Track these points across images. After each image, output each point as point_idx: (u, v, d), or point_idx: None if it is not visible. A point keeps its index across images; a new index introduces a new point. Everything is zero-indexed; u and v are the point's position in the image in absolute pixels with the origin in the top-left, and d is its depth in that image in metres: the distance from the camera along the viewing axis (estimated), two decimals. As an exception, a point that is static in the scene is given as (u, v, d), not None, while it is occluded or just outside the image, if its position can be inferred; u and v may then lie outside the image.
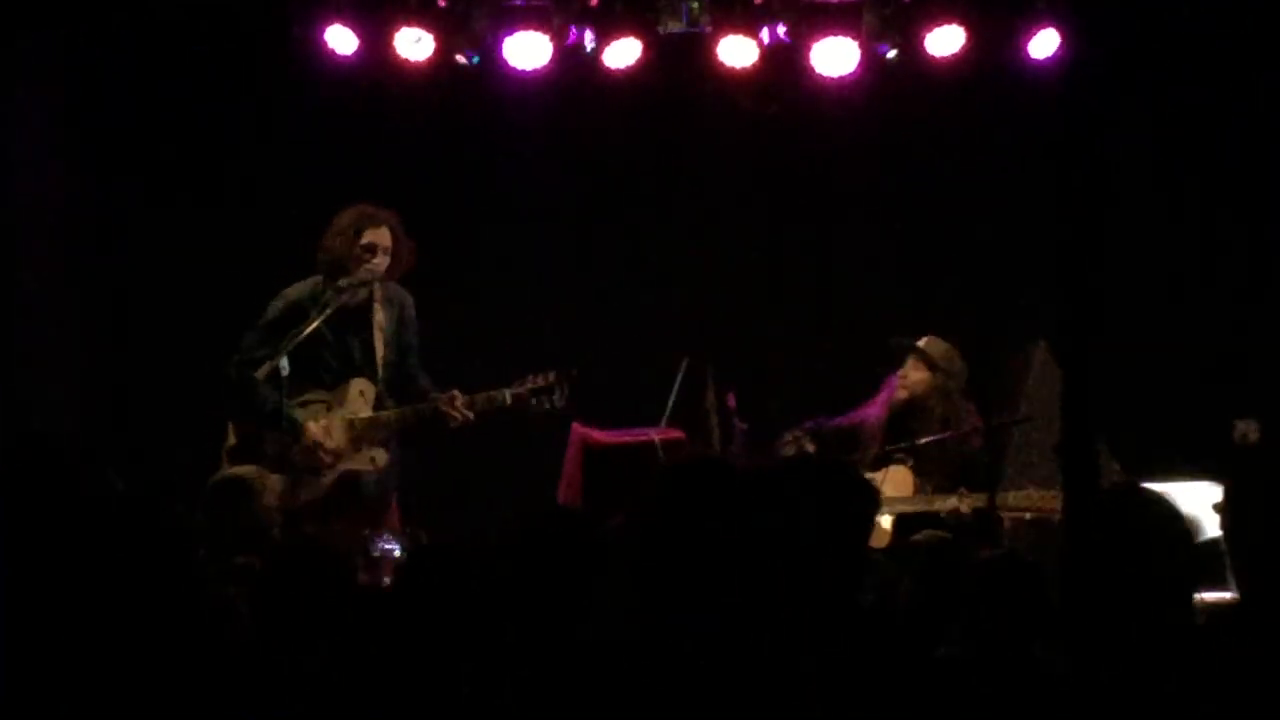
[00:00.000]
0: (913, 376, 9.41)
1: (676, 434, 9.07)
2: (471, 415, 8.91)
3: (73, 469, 5.31)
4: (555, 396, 8.92)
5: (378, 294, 9.06)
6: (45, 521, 5.05)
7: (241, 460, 8.72)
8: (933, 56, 10.34)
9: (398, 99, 10.54)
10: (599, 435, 9.17)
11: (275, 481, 8.15)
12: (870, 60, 10.36)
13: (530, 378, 8.95)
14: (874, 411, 9.45)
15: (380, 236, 8.94)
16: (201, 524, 7.42)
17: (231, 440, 8.89)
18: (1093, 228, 10.37)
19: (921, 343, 9.41)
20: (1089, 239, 10.36)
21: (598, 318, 10.89)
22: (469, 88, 10.57)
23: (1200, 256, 10.72)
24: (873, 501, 4.78)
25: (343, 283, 8.86)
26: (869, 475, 9.15)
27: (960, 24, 10.28)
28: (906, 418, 9.38)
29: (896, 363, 9.47)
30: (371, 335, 9.04)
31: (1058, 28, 10.23)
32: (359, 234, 8.93)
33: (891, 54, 10.34)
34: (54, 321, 10.42)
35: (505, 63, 10.31)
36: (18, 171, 10.26)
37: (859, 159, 10.89)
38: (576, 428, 9.17)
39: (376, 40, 10.28)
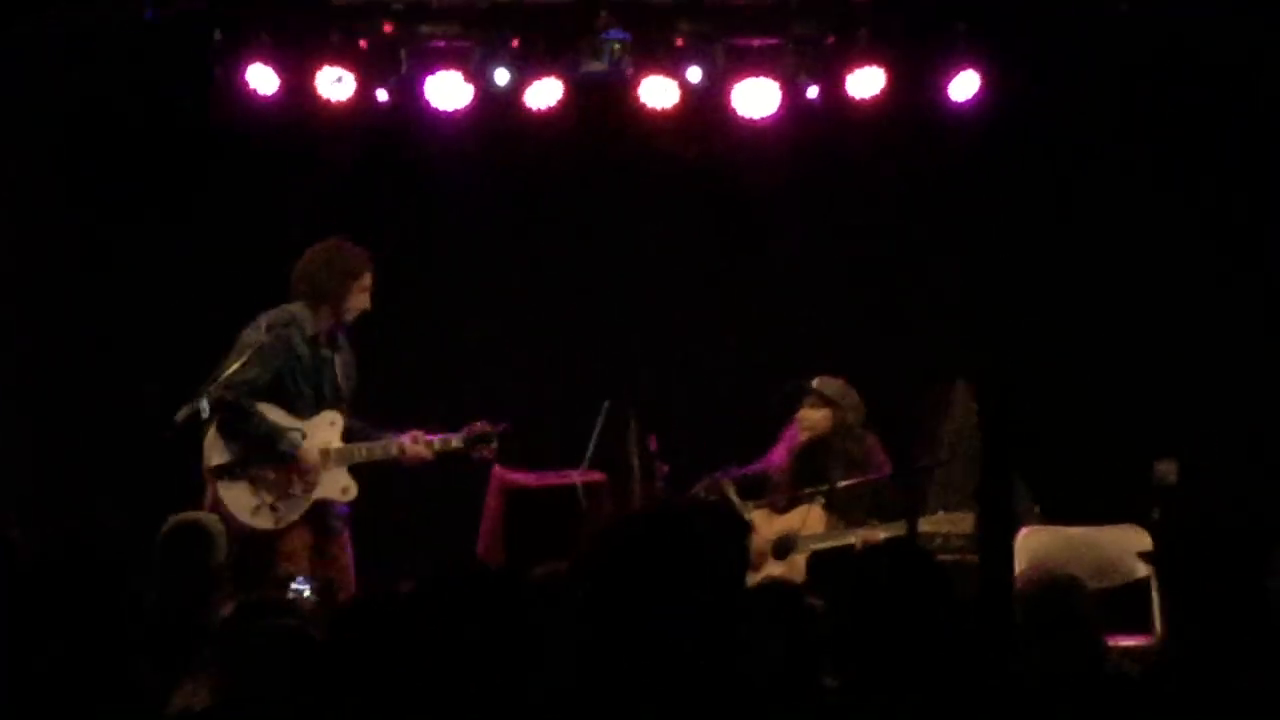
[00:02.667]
0: (811, 417, 9.48)
1: (598, 476, 9.07)
2: (431, 455, 9.09)
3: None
4: (491, 445, 9.05)
5: (339, 335, 9.18)
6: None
7: (230, 478, 8.80)
8: (854, 98, 10.37)
9: (320, 139, 10.49)
10: (520, 478, 9.17)
11: (221, 532, 8.11)
12: (792, 102, 10.39)
13: (477, 424, 9.07)
14: (778, 457, 9.51)
15: (371, 280, 9.08)
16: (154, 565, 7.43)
17: (217, 459, 8.86)
18: (1008, 268, 10.51)
19: (815, 383, 9.48)
20: (1004, 279, 10.50)
21: (520, 359, 10.87)
22: (391, 127, 10.54)
23: (1119, 296, 10.76)
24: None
25: (338, 316, 9.02)
26: (783, 518, 9.22)
27: (881, 66, 10.31)
28: (812, 458, 9.44)
29: (793, 407, 9.53)
30: (336, 371, 9.13)
31: (978, 69, 10.29)
32: (360, 275, 9.03)
33: (813, 94, 10.37)
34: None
35: (427, 103, 10.30)
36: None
37: (780, 201, 10.91)
38: (497, 470, 9.17)
39: (298, 80, 10.24)
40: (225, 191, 10.60)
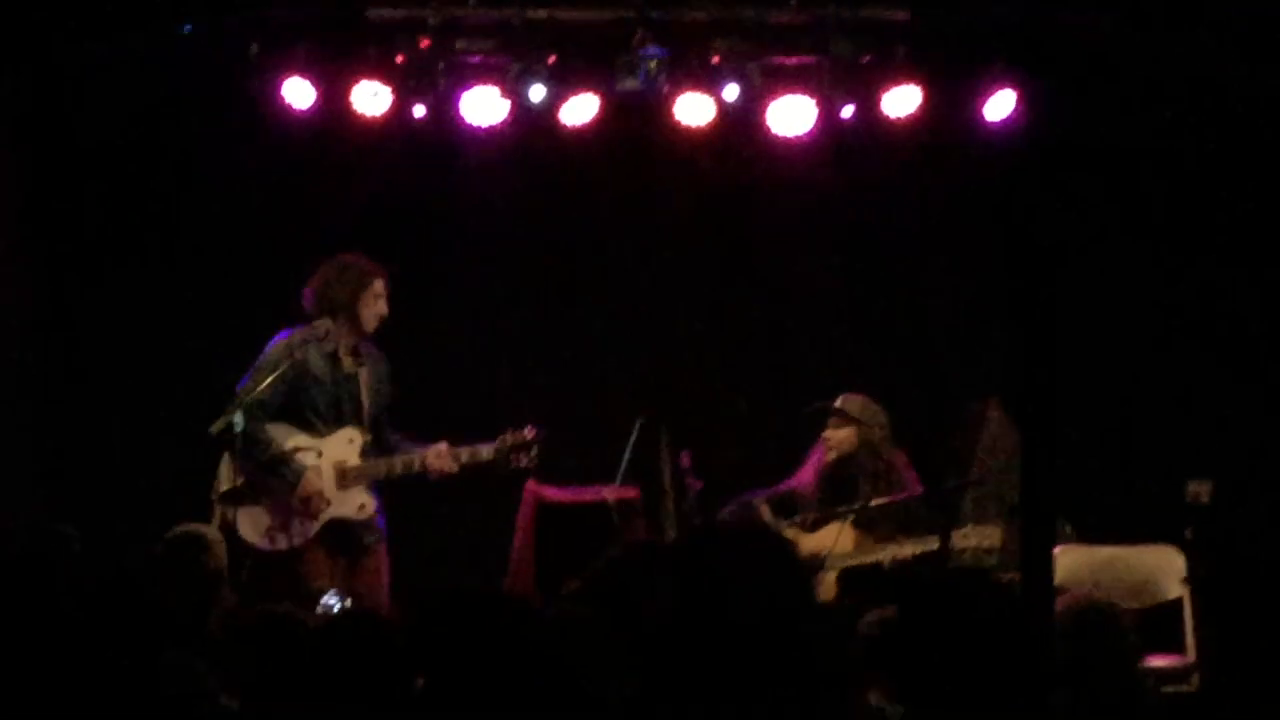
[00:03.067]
0: (836, 436, 9.49)
1: (631, 492, 9.07)
2: (456, 468, 9.07)
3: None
4: (532, 453, 9.04)
5: (363, 349, 9.20)
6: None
7: (237, 503, 8.83)
8: (889, 117, 10.37)
9: (356, 153, 10.51)
10: (552, 493, 9.17)
11: (220, 541, 8.12)
12: (827, 120, 10.39)
13: (510, 433, 9.07)
14: (806, 477, 9.51)
15: (383, 287, 9.12)
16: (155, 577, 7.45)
17: (226, 484, 8.89)
18: (1049, 289, 10.47)
19: (838, 402, 9.48)
20: (1046, 300, 10.46)
21: (553, 375, 10.86)
22: (426, 143, 10.56)
23: (1151, 316, 10.75)
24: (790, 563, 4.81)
25: (356, 330, 9.08)
26: (813, 536, 9.21)
27: (917, 84, 10.31)
28: (839, 476, 9.45)
29: (819, 427, 9.53)
30: (358, 388, 9.14)
31: (1014, 89, 10.28)
32: (370, 283, 9.06)
33: (848, 113, 10.36)
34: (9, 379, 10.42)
35: (462, 118, 10.31)
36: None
37: (816, 219, 10.91)
38: (530, 485, 9.16)
39: (334, 94, 10.25)
40: (260, 205, 10.62)
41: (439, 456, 9.06)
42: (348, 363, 9.16)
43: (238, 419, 8.62)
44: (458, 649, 4.72)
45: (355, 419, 9.13)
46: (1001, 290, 10.54)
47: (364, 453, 9.11)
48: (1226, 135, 10.51)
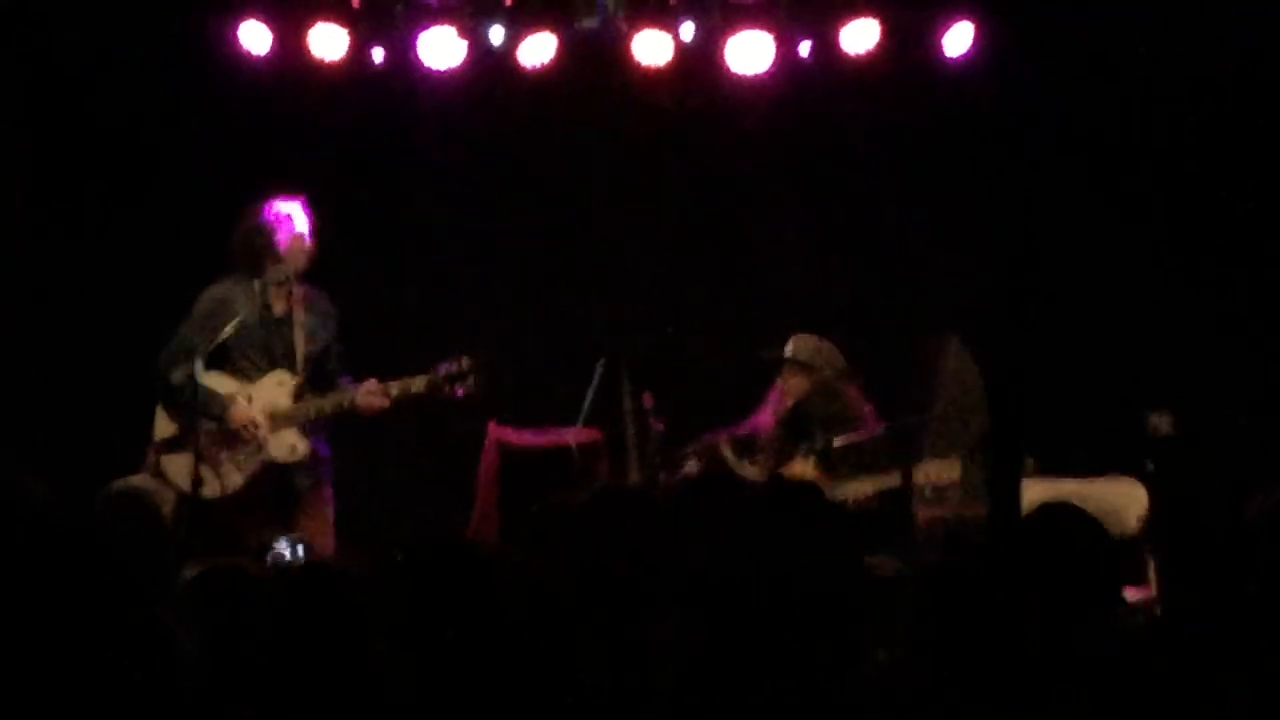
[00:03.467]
0: (791, 383, 9.54)
1: (594, 435, 9.08)
2: (388, 402, 9.01)
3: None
4: (469, 382, 8.96)
5: (296, 292, 9.14)
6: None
7: (177, 451, 8.82)
8: (847, 52, 10.36)
9: (312, 96, 10.46)
10: (515, 437, 9.17)
11: (170, 494, 8.14)
12: (785, 56, 10.37)
13: (444, 364, 9.02)
14: (765, 418, 9.54)
15: (304, 226, 9.08)
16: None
17: (164, 432, 8.91)
18: (999, 221, 10.50)
19: (788, 350, 9.49)
20: (1012, 236, 10.48)
21: (513, 316, 10.86)
22: (384, 85, 10.52)
23: (1110, 245, 10.76)
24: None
25: (281, 274, 9.02)
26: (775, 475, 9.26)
27: (875, 18, 10.30)
28: (798, 419, 9.47)
29: (774, 371, 9.56)
30: (292, 331, 9.12)
31: (972, 21, 10.27)
32: (285, 227, 9.03)
33: (805, 49, 10.35)
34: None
35: (420, 60, 10.28)
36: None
37: (774, 156, 10.90)
38: (493, 427, 9.16)
39: (291, 37, 10.21)
40: (217, 153, 10.57)
41: (369, 393, 9.00)
42: (279, 307, 9.12)
43: (199, 366, 8.62)
44: (431, 604, 4.69)
45: (287, 363, 9.10)
46: (959, 224, 10.60)
47: (296, 396, 9.07)
48: (1193, 55, 10.48)
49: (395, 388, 9.01)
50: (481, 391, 9.02)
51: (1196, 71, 10.42)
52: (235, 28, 10.14)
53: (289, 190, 9.26)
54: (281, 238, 9.05)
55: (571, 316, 10.78)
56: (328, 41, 10.19)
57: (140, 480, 8.05)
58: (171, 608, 5.58)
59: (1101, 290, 10.67)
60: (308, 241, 9.09)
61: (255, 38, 10.17)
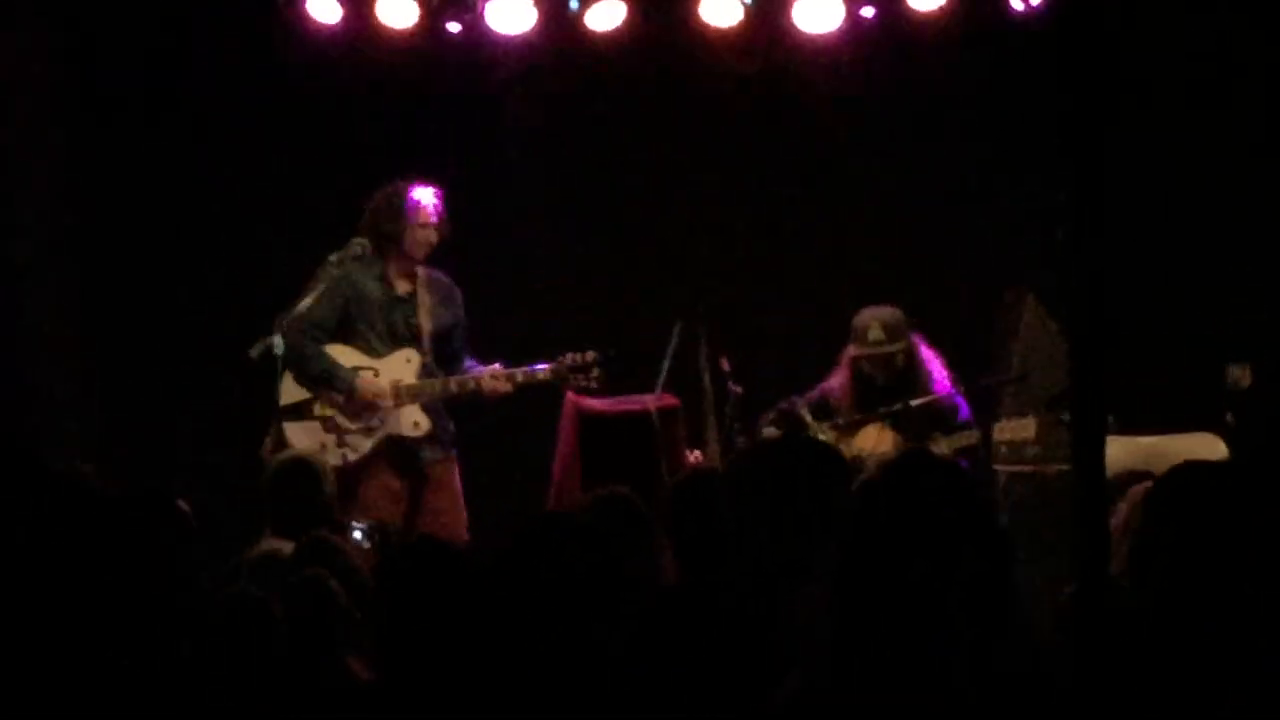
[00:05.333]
0: (875, 364, 9.43)
1: (672, 401, 9.08)
2: (511, 388, 9.16)
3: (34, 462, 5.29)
4: (593, 375, 9.07)
5: (420, 273, 9.29)
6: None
7: (297, 419, 9.02)
8: (916, 10, 10.33)
9: (383, 67, 10.49)
10: (594, 404, 9.15)
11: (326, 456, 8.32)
12: (855, 17, 10.35)
13: (569, 355, 9.13)
14: (838, 380, 9.50)
15: (431, 213, 9.20)
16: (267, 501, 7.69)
17: (285, 400, 9.03)
18: (1088, 176, 10.40)
19: (870, 336, 9.37)
20: (1088, 189, 10.38)
21: (590, 285, 10.90)
22: (454, 54, 10.53)
23: (1186, 198, 10.69)
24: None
25: (407, 256, 9.19)
26: (852, 439, 9.25)
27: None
28: (873, 386, 9.42)
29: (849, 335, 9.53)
30: (416, 311, 9.25)
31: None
32: (415, 209, 9.15)
33: (869, 12, 10.33)
34: (52, 314, 10.49)
35: (490, 29, 10.28)
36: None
37: (847, 117, 10.87)
38: (570, 396, 9.18)
39: (360, 8, 10.23)
40: (290, 127, 10.62)
41: (494, 378, 9.14)
42: (402, 286, 9.26)
43: (277, 342, 8.70)
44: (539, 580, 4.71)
45: (411, 341, 9.22)
46: (1032, 179, 10.55)
47: (422, 373, 9.19)
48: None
49: (521, 375, 9.16)
50: (603, 387, 9.13)
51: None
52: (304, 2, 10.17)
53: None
54: (410, 221, 9.15)
55: (648, 282, 10.78)
56: (397, 11, 10.19)
57: (296, 452, 8.19)
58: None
59: (1175, 242, 10.60)
60: (435, 227, 9.21)
61: (324, 9, 10.19)
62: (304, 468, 7.87)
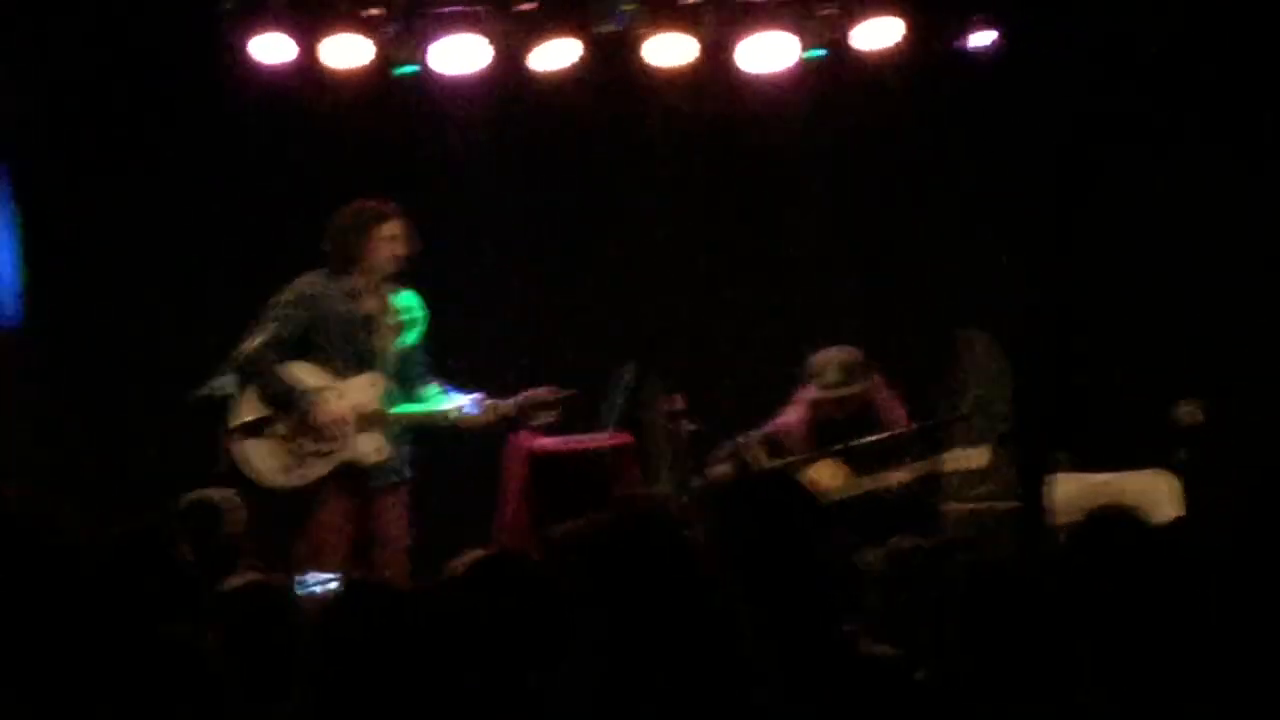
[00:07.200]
0: (834, 403, 9.44)
1: (624, 439, 9.05)
2: (494, 419, 9.05)
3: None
4: (551, 414, 9.02)
5: (386, 291, 9.17)
6: None
7: (258, 436, 8.86)
8: (867, 51, 10.35)
9: (333, 107, 10.46)
10: (545, 442, 9.11)
11: (237, 507, 8.17)
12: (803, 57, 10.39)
13: (533, 390, 9.04)
14: (794, 417, 9.49)
15: (397, 227, 9.07)
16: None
17: (238, 419, 8.90)
18: (1025, 214, 10.47)
19: (829, 376, 9.38)
20: (1019, 226, 10.46)
21: (540, 323, 10.88)
22: (404, 94, 10.51)
23: (1136, 234, 10.74)
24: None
25: (370, 275, 9.04)
26: (803, 474, 9.24)
27: (898, 15, 10.28)
28: (828, 419, 9.43)
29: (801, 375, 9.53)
30: (379, 331, 9.11)
31: (995, 27, 10.29)
32: (380, 225, 9.04)
33: (820, 53, 10.36)
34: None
35: (439, 70, 10.27)
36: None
37: (798, 157, 10.90)
38: (514, 437, 9.11)
39: (310, 48, 10.20)
40: (239, 165, 10.58)
41: (478, 408, 9.05)
42: (367, 305, 9.11)
43: (226, 382, 8.64)
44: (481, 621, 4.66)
45: (373, 362, 9.08)
46: (983, 220, 10.59)
47: (385, 398, 9.05)
48: (1223, 48, 10.47)
49: (488, 409, 9.04)
50: (557, 425, 9.06)
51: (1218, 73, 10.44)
52: (253, 39, 10.12)
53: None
54: (373, 239, 9.03)
55: (598, 321, 10.76)
56: (346, 52, 10.17)
57: (210, 493, 8.06)
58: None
59: (1126, 280, 10.64)
60: (400, 245, 9.08)
61: (274, 49, 10.15)
62: (203, 509, 7.72)
